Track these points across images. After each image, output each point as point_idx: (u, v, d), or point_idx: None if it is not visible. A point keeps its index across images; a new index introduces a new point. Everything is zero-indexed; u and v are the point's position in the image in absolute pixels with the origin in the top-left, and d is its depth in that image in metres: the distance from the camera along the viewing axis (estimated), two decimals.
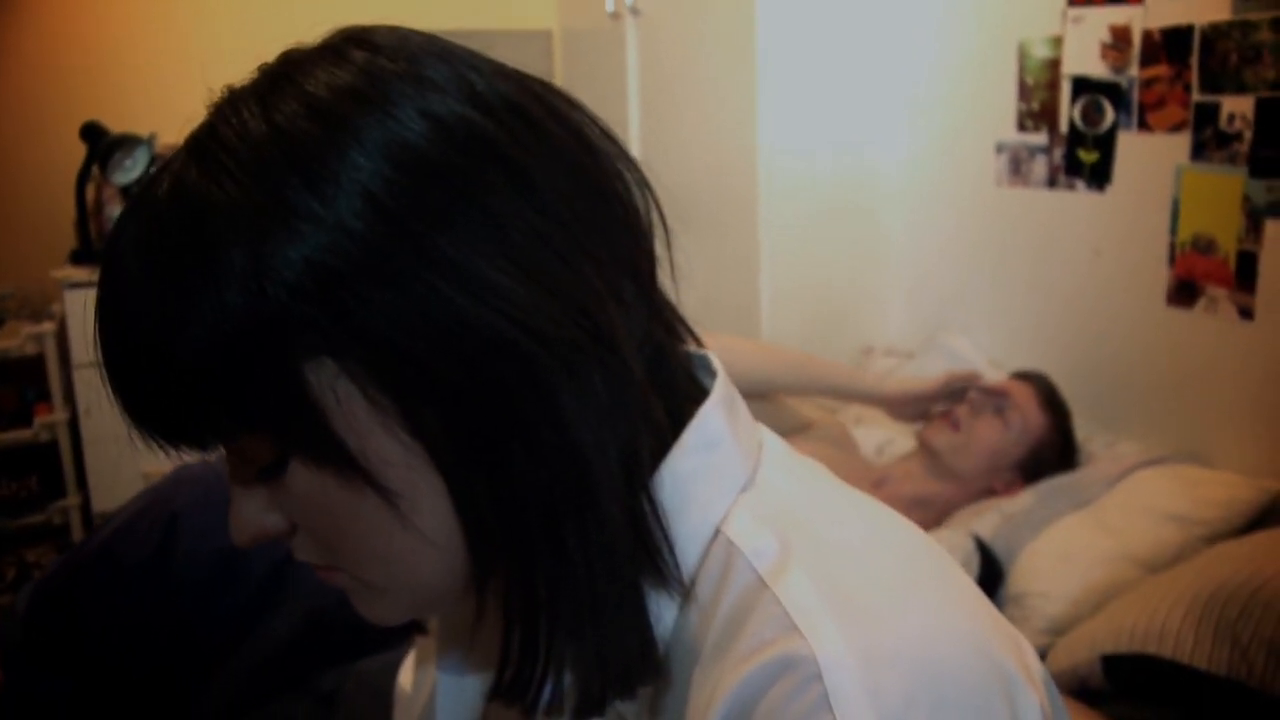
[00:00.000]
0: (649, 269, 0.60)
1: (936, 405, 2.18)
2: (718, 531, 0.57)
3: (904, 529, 0.59)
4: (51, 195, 3.39)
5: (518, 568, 0.55)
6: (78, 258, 3.27)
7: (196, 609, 1.59)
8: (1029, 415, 2.15)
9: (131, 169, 3.25)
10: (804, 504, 0.59)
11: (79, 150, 3.22)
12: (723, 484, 0.58)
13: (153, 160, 3.28)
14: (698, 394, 0.61)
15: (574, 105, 0.59)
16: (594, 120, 0.59)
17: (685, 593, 0.57)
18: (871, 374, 2.44)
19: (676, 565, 0.56)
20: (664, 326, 0.61)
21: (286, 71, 0.54)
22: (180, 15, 3.56)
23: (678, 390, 0.61)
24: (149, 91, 3.51)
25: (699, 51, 2.77)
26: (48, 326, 3.23)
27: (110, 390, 0.55)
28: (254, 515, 0.58)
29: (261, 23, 3.47)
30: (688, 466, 0.58)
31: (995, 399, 2.13)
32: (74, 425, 3.23)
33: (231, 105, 0.54)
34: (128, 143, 3.24)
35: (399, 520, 0.54)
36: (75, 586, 1.62)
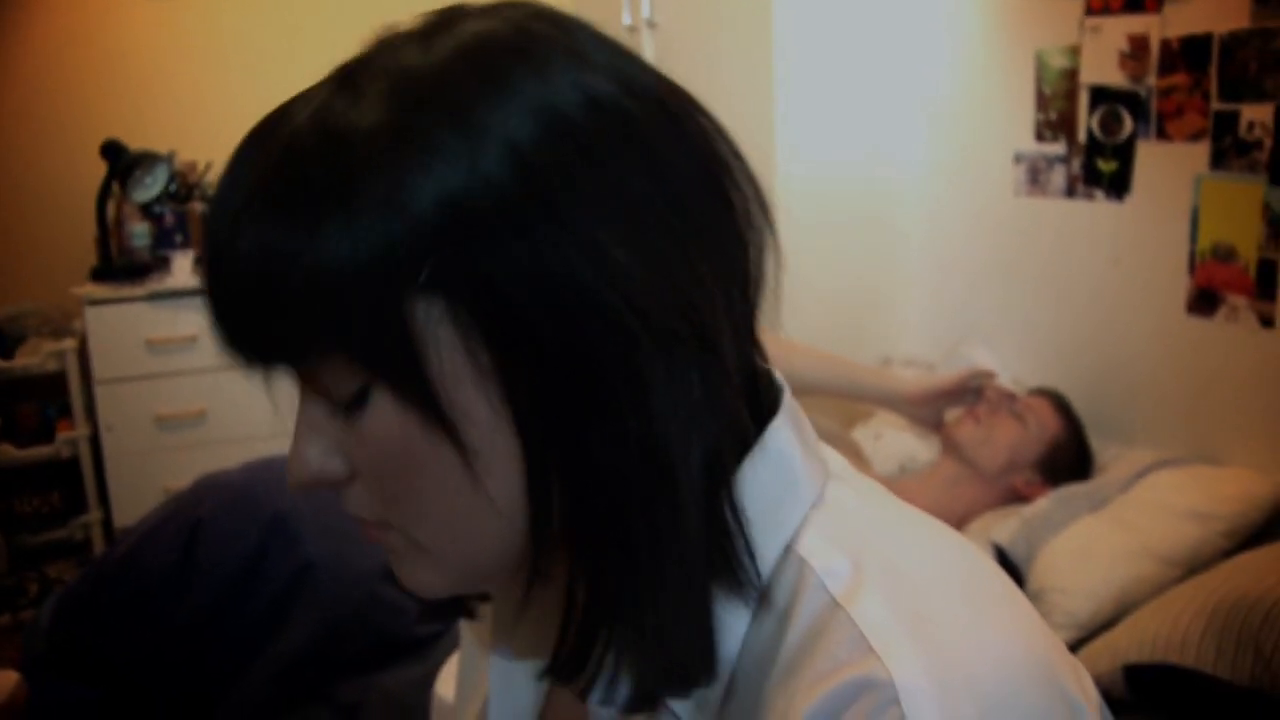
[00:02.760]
0: (755, 284, 0.60)
1: (954, 404, 2.21)
2: (789, 549, 0.57)
3: (967, 549, 0.58)
4: (72, 213, 3.42)
5: (583, 553, 0.55)
6: (98, 275, 3.29)
7: (218, 616, 1.59)
8: (1044, 417, 2.20)
9: (151, 186, 3.27)
10: (872, 524, 0.59)
11: (99, 168, 3.25)
12: (795, 499, 0.58)
13: (172, 178, 3.30)
14: (773, 407, 0.61)
15: (709, 117, 0.60)
16: (723, 132, 0.60)
17: (759, 603, 0.56)
18: (891, 374, 2.45)
19: (757, 573, 0.56)
20: (753, 340, 0.61)
21: (450, 20, 0.55)
22: (198, 33, 3.58)
23: (760, 402, 0.61)
24: (168, 109, 3.54)
25: (716, 65, 2.78)
26: (69, 343, 3.25)
27: (211, 299, 0.54)
28: (316, 456, 0.57)
29: (279, 41, 3.50)
30: (765, 477, 0.58)
31: (1010, 401, 2.18)
32: (95, 441, 3.25)
33: (391, 42, 0.55)
34: (147, 160, 3.27)
35: (470, 479, 0.54)
36: (98, 596, 1.63)
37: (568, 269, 0.51)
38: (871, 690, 0.49)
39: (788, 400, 0.62)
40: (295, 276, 0.50)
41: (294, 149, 0.52)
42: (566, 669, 0.56)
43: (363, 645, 1.63)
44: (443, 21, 0.55)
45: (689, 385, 0.53)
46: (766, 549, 0.57)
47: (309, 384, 0.57)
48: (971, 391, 2.20)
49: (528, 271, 0.51)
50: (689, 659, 0.55)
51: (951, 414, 2.25)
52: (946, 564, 0.56)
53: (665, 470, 0.53)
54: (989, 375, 2.23)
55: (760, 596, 0.56)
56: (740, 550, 0.56)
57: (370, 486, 0.57)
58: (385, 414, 0.54)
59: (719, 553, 0.55)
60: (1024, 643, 0.52)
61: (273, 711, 1.58)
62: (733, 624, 0.56)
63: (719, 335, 0.54)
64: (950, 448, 2.20)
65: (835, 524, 0.58)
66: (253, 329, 0.54)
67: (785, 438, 0.59)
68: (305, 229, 0.50)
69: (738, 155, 0.59)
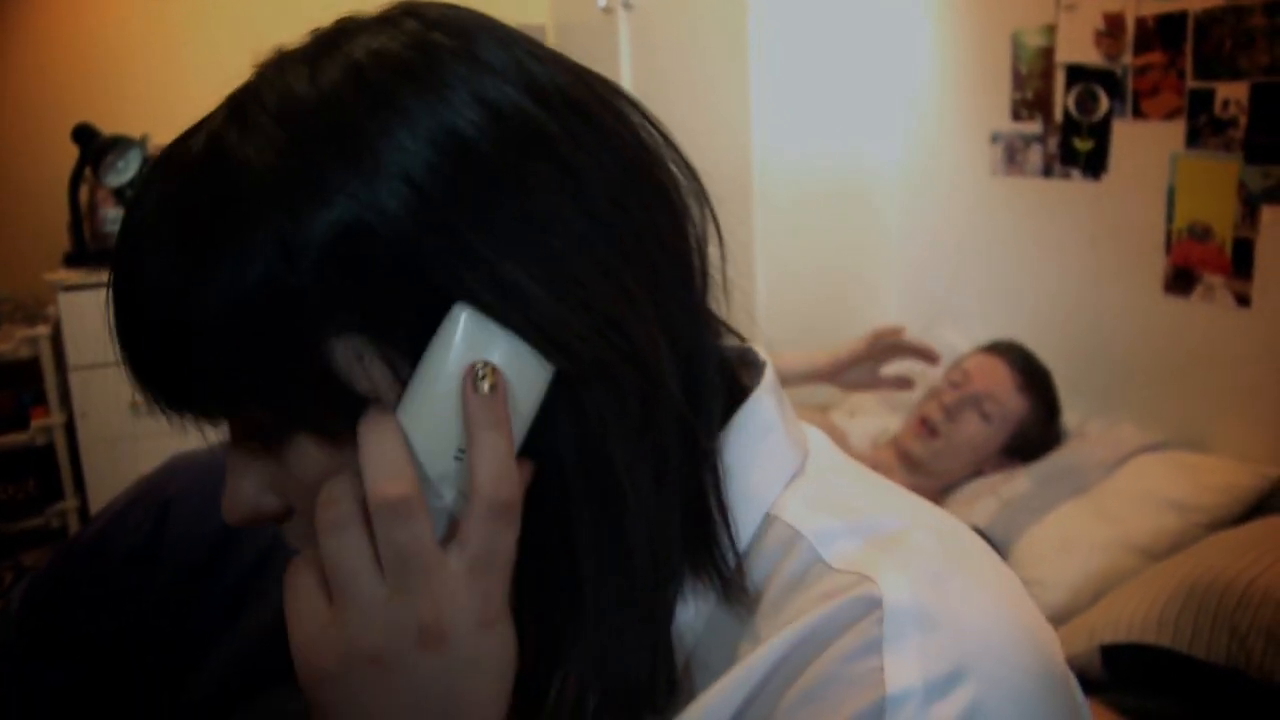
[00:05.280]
0: (700, 274, 0.58)
1: (872, 364, 2.08)
2: (772, 516, 0.56)
3: (953, 520, 0.58)
4: (44, 198, 3.38)
5: (528, 584, 0.54)
6: (72, 260, 3.26)
7: (187, 595, 1.59)
8: (1007, 403, 2.12)
9: (124, 171, 3.24)
10: (857, 494, 0.58)
11: (71, 152, 3.21)
12: (777, 468, 0.58)
13: (145, 162, 3.27)
14: (739, 394, 0.60)
15: (633, 105, 0.57)
16: (653, 122, 0.57)
17: (736, 570, 0.55)
18: (809, 354, 2.40)
19: (735, 549, 0.55)
20: (708, 329, 0.59)
21: (338, 38, 0.52)
22: (172, 16, 3.55)
23: (737, 381, 0.60)
24: (141, 93, 3.50)
25: (692, 45, 2.77)
26: (43, 329, 3.22)
27: (119, 347, 0.52)
28: (250, 494, 0.55)
29: (255, 24, 3.46)
30: (745, 448, 0.57)
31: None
32: (70, 428, 3.23)
33: (278, 66, 0.52)
34: (120, 144, 3.23)
35: None
36: (68, 577, 1.63)
37: (472, 303, 0.48)
38: (860, 603, 0.49)
39: (769, 375, 0.61)
40: (196, 315, 0.48)
41: (189, 180, 0.50)
42: (524, 697, 0.55)
43: None
44: (332, 40, 0.52)
45: (623, 404, 0.51)
46: (746, 518, 0.56)
47: (234, 424, 0.55)
48: (884, 350, 1.95)
49: (430, 306, 0.49)
50: (636, 681, 0.54)
51: (901, 422, 2.18)
52: (934, 530, 0.55)
53: (609, 492, 0.52)
54: (895, 331, 2.08)
55: (737, 565, 0.56)
56: (720, 534, 0.55)
57: (307, 520, 0.54)
58: (311, 451, 0.52)
59: (694, 540, 0.55)
60: (1014, 608, 0.52)
61: (244, 691, 1.58)
62: (697, 610, 0.56)
63: (652, 348, 0.52)
64: (905, 462, 2.14)
65: (819, 492, 0.57)
66: (162, 375, 0.52)
67: (768, 406, 0.59)
68: (202, 265, 0.48)
69: (669, 141, 0.57)
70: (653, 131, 0.57)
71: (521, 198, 0.49)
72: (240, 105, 0.51)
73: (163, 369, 0.51)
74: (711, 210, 0.58)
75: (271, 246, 0.47)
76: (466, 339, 0.48)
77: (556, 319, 0.49)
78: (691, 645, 0.56)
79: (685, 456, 0.54)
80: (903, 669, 0.47)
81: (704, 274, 0.58)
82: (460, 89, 0.49)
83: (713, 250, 0.59)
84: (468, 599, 0.49)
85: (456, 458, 0.50)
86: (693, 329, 0.56)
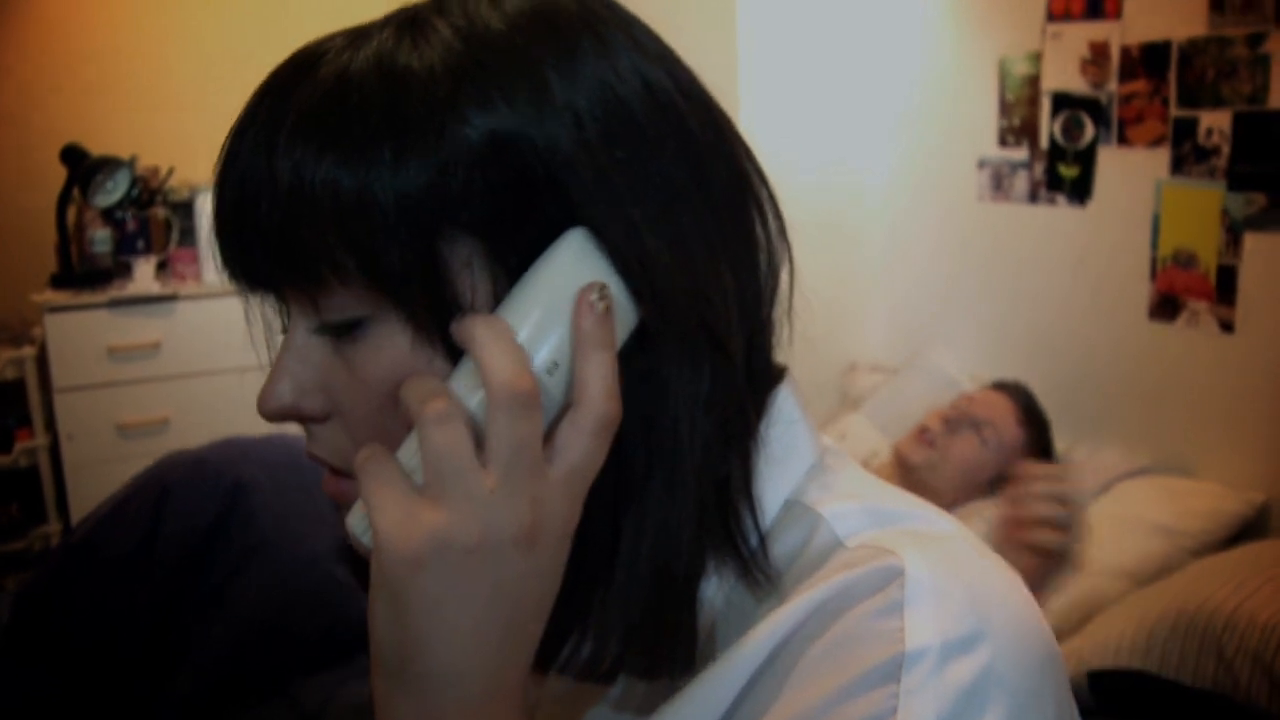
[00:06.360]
0: (769, 295, 0.61)
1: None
2: (791, 502, 0.58)
3: (957, 522, 0.60)
4: (32, 219, 3.38)
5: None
6: (58, 282, 3.25)
7: (176, 595, 1.58)
8: (1005, 432, 2.12)
9: (113, 191, 3.24)
10: (873, 487, 0.60)
11: (60, 173, 3.21)
12: (798, 456, 0.60)
13: (134, 183, 3.27)
14: (776, 380, 0.62)
15: (741, 135, 0.61)
16: (753, 155, 0.62)
17: (758, 553, 0.57)
18: None
19: (759, 532, 0.57)
20: (761, 343, 0.62)
21: None
22: (161, 38, 3.55)
23: (762, 379, 0.62)
24: (130, 114, 3.50)
25: None
26: (28, 351, 3.21)
27: (226, 214, 0.54)
28: (293, 388, 0.56)
29: (242, 46, 3.47)
30: (770, 436, 0.59)
31: (971, 422, 2.08)
32: (55, 451, 3.21)
33: None
34: (109, 165, 3.23)
35: None
36: (61, 576, 1.62)
37: (599, 239, 0.52)
38: (883, 571, 0.51)
39: (790, 377, 0.63)
40: (334, 198, 0.50)
41: (348, 81, 0.52)
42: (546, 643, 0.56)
43: (321, 628, 1.62)
44: None
45: (696, 373, 0.53)
46: (769, 500, 0.58)
47: (304, 307, 0.55)
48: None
49: (556, 233, 0.51)
50: (661, 648, 0.55)
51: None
52: (948, 521, 0.57)
53: (664, 453, 0.53)
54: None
55: (760, 546, 0.57)
56: (745, 515, 0.56)
57: (346, 426, 0.56)
58: (383, 345, 0.53)
59: (721, 519, 0.56)
60: (1024, 591, 0.54)
61: (230, 701, 1.57)
62: (720, 580, 0.57)
63: (729, 330, 0.55)
64: (901, 469, 2.15)
65: (837, 481, 0.59)
66: (269, 244, 0.53)
67: (790, 402, 0.61)
68: (354, 156, 0.50)
69: (764, 178, 0.61)
70: (755, 165, 0.62)
71: (659, 162, 0.53)
72: (416, 22, 0.54)
73: (275, 237, 0.53)
74: (789, 249, 0.62)
75: (433, 137, 0.50)
76: (578, 262, 0.51)
77: (662, 272, 0.52)
78: (711, 622, 0.57)
79: (734, 438, 0.56)
80: (922, 628, 0.49)
81: (772, 298, 0.61)
82: (624, 57, 0.54)
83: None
84: (561, 506, 0.50)
85: (549, 372, 0.51)
86: (759, 325, 0.60)
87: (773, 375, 0.62)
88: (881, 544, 0.53)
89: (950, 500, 2.11)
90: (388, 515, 0.49)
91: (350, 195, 0.50)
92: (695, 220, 0.54)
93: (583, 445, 0.50)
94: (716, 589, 0.57)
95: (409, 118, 0.50)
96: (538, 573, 0.50)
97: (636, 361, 0.53)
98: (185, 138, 3.26)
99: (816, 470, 0.60)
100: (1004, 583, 0.53)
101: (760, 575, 0.56)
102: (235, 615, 1.58)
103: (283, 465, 1.68)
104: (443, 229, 0.51)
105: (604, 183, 0.51)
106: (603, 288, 0.50)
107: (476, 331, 0.50)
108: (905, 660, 0.48)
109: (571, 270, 0.51)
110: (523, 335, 0.51)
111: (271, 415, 0.56)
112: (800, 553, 0.56)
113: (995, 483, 2.10)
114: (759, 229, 0.59)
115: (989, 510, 2.02)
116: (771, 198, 0.61)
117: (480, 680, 0.51)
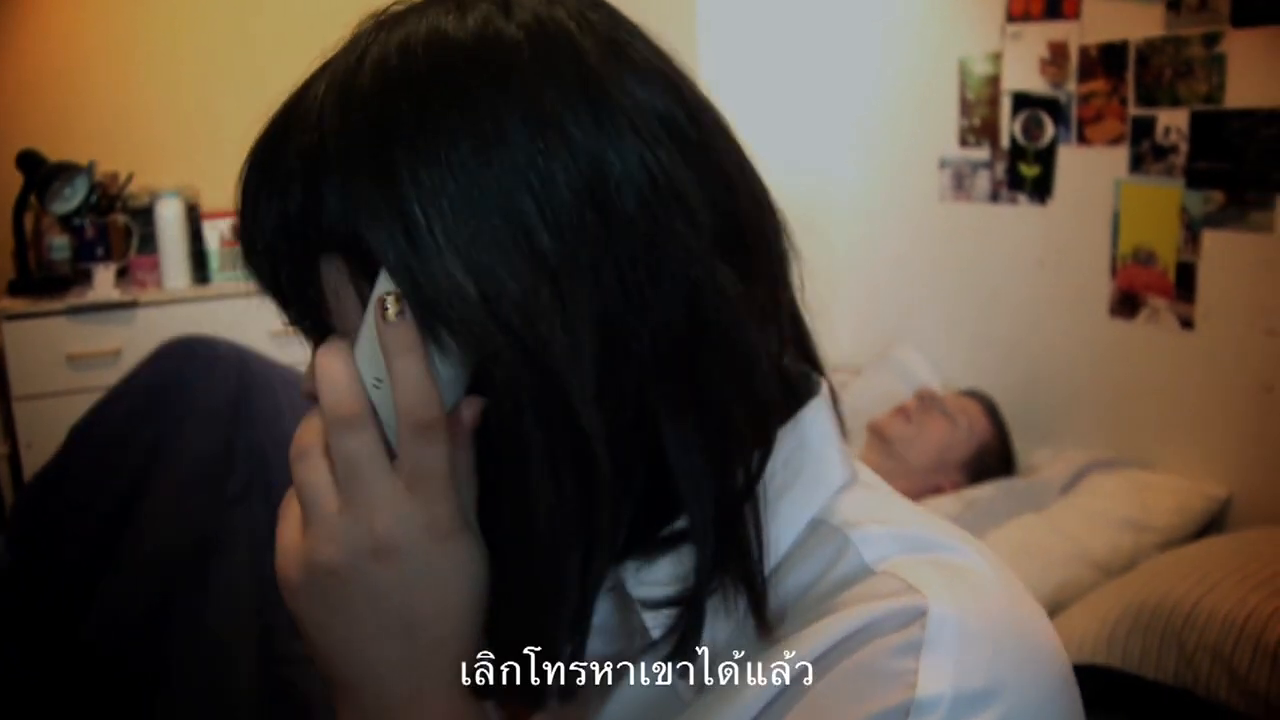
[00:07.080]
0: (785, 292, 0.65)
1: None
2: (817, 521, 0.57)
3: (987, 550, 0.59)
4: None
5: (486, 502, 0.55)
6: (16, 289, 3.21)
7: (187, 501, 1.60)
8: (975, 419, 2.23)
9: (71, 198, 3.20)
10: (904, 511, 0.59)
11: (15, 179, 3.17)
12: (824, 475, 0.59)
13: (92, 189, 3.23)
14: (808, 396, 0.62)
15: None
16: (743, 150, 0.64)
17: (778, 572, 0.56)
18: None
19: (760, 552, 0.55)
20: (784, 345, 0.63)
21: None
22: (120, 42, 3.51)
23: (793, 395, 0.61)
24: (88, 120, 3.46)
25: None
26: None
27: (253, 170, 0.55)
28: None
29: (203, 50, 3.44)
30: (794, 453, 0.58)
31: (941, 401, 2.22)
32: (14, 460, 3.17)
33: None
34: (66, 171, 3.19)
35: None
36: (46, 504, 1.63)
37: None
38: (906, 610, 0.50)
39: (824, 393, 0.63)
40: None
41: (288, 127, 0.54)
42: None
43: None
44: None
45: (712, 378, 0.54)
46: (791, 520, 0.57)
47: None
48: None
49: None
50: (535, 655, 0.53)
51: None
52: (978, 549, 0.57)
53: (563, 447, 0.51)
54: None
55: (773, 570, 0.56)
56: (752, 547, 0.54)
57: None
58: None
59: (726, 550, 0.54)
60: (1047, 634, 0.54)
61: (139, 621, 1.54)
62: (725, 612, 0.55)
63: (748, 331, 0.56)
64: (878, 442, 2.22)
65: (868, 504, 0.58)
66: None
67: (820, 420, 0.60)
68: (277, 189, 0.54)
69: (764, 190, 0.66)
70: (759, 180, 0.66)
71: (695, 178, 0.58)
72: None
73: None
74: (798, 253, 0.68)
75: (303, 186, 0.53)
76: (385, 278, 0.52)
77: (460, 302, 0.50)
78: (710, 657, 0.55)
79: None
80: (937, 676, 0.48)
81: (787, 290, 0.65)
82: (635, 89, 0.59)
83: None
84: (411, 512, 0.52)
85: (376, 386, 0.53)
86: (779, 338, 0.62)
87: (799, 394, 0.62)
88: (908, 577, 0.52)
89: (920, 485, 2.15)
90: (280, 549, 0.54)
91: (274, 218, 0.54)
92: (715, 242, 0.56)
93: (408, 451, 0.52)
94: (718, 626, 0.55)
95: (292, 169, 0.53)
96: (415, 579, 0.52)
97: (491, 412, 0.53)
98: (145, 143, 3.22)
99: (847, 490, 0.59)
100: (1029, 624, 0.53)
101: (767, 609, 0.54)
102: (132, 548, 1.58)
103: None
104: (320, 247, 0.53)
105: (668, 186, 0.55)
106: (390, 294, 0.51)
107: (318, 358, 0.53)
108: (914, 707, 0.47)
109: (380, 286, 0.52)
110: (357, 354, 0.53)
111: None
112: (824, 574, 0.55)
113: (963, 466, 2.16)
114: (773, 237, 0.64)
115: (970, 492, 2.06)
116: (777, 212, 0.66)
117: (394, 684, 0.54)
